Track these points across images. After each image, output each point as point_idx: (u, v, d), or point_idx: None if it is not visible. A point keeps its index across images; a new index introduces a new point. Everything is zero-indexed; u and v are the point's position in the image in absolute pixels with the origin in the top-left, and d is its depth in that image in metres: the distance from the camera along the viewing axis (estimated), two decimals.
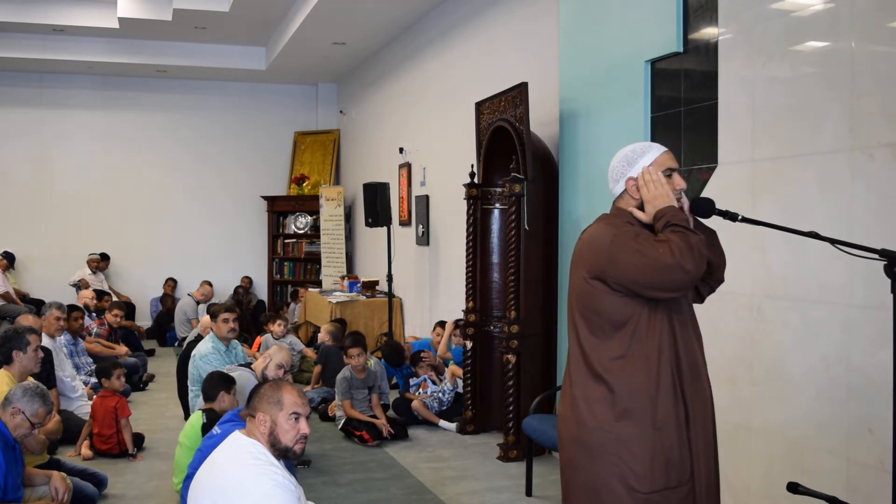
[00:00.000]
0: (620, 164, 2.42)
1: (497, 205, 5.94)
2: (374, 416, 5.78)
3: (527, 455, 4.62)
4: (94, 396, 5.65)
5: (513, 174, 5.26)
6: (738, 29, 3.72)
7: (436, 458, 5.34)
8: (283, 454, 2.78)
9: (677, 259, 2.16)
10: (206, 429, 3.98)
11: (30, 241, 10.86)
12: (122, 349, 7.84)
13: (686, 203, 2.40)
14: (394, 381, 6.91)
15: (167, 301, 10.85)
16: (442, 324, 7.04)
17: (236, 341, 5.65)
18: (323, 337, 7.24)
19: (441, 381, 6.34)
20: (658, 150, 2.41)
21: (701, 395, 2.35)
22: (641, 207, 2.37)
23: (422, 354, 6.46)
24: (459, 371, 6.15)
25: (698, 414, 2.32)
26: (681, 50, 4.11)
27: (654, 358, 2.27)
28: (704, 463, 2.33)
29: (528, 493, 4.56)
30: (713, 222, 2.48)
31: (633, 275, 2.22)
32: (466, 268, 5.95)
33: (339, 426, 5.84)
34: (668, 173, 2.37)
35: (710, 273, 2.48)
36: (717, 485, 2.43)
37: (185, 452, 4.08)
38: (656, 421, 2.25)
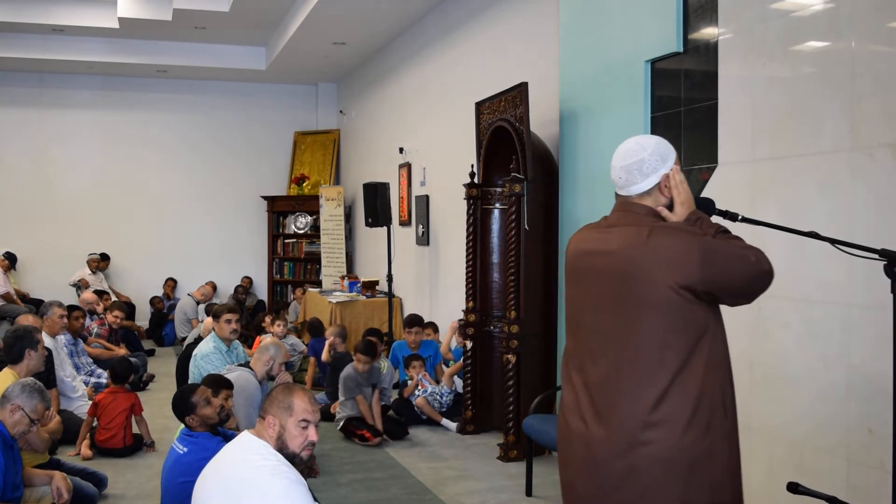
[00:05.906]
0: (653, 158, 2.23)
1: (497, 205, 5.94)
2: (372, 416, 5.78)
3: (527, 455, 4.62)
4: (100, 392, 5.69)
5: (513, 174, 5.26)
6: (738, 29, 3.72)
7: (436, 458, 5.34)
8: (290, 459, 2.78)
9: (769, 265, 2.11)
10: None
11: (30, 241, 10.84)
12: (122, 351, 7.83)
13: None
14: (397, 378, 6.87)
15: (157, 301, 10.77)
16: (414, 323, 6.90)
17: (237, 341, 5.66)
18: (335, 341, 6.82)
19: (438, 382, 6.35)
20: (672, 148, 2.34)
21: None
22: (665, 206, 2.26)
23: (414, 362, 6.40)
24: (457, 368, 6.13)
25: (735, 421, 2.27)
26: (681, 50, 4.11)
27: (724, 366, 2.21)
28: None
29: (528, 493, 4.57)
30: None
31: (735, 281, 2.11)
32: (466, 268, 5.95)
33: (339, 426, 5.84)
34: None
35: None
36: None
37: None
38: (728, 431, 2.22)
